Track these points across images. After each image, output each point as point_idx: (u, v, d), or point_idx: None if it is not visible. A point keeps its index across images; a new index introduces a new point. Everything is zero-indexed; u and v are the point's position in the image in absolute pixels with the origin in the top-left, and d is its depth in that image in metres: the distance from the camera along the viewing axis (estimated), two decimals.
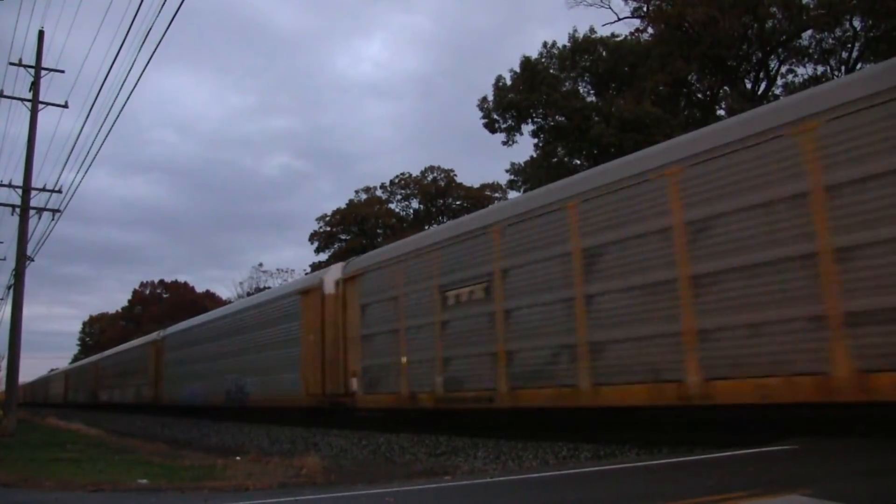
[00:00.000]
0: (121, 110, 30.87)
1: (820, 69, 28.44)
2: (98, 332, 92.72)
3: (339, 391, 14.31)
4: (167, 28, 12.68)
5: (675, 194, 7.95)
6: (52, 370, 70.96)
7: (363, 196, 52.68)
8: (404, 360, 12.45)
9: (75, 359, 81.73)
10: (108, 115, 25.04)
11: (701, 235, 7.65)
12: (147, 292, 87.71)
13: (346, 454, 12.00)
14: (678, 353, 7.76)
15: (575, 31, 32.02)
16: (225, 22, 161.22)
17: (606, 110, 29.34)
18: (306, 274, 46.99)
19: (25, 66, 20.98)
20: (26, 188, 20.39)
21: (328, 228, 51.88)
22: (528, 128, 32.72)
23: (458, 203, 50.77)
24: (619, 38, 31.40)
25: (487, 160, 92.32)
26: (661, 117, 27.16)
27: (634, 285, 8.33)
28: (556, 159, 32.07)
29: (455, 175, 52.04)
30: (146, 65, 19.84)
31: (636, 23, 31.52)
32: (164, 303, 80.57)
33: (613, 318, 8.58)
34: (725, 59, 28.50)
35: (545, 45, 31.70)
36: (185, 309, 55.69)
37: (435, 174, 52.16)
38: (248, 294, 47.67)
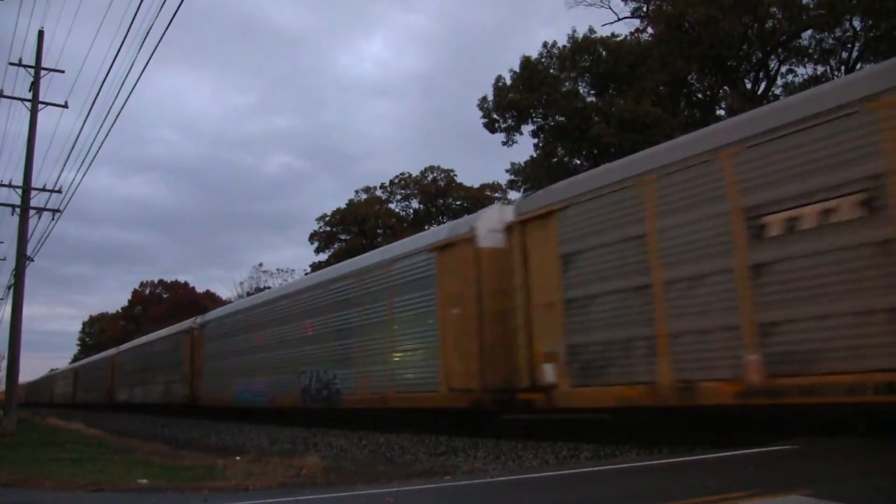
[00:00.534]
0: (121, 109, 30.68)
1: (820, 69, 28.48)
2: (98, 332, 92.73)
3: (517, 384, 10.17)
4: (167, 26, 12.68)
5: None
6: (52, 370, 70.88)
7: (363, 196, 52.72)
8: (663, 329, 8.15)
9: (75, 358, 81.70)
10: (108, 114, 25.12)
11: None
12: (147, 292, 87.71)
13: (346, 454, 12.00)
14: None
15: (574, 31, 32.06)
16: (226, 20, 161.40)
17: (606, 110, 29.33)
18: (306, 269, 46.55)
19: (25, 66, 21.01)
20: (26, 188, 20.39)
21: (328, 228, 51.90)
22: (527, 128, 32.73)
23: (458, 203, 50.78)
24: (619, 38, 31.42)
25: (488, 159, 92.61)
26: (661, 117, 27.16)
27: None
28: (556, 159, 32.08)
29: (455, 175, 52.13)
30: (146, 64, 19.85)
31: (636, 23, 31.59)
32: (164, 303, 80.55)
33: None
34: (725, 59, 28.49)
35: (545, 45, 31.72)
36: (186, 309, 55.70)
37: (435, 174, 52.20)
38: (249, 294, 47.56)
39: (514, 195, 36.64)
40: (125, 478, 8.99)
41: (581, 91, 32.11)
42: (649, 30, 30.66)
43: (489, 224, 11.03)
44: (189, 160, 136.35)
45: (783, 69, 29.39)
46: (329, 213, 52.09)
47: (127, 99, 16.07)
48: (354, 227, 50.86)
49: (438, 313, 11.55)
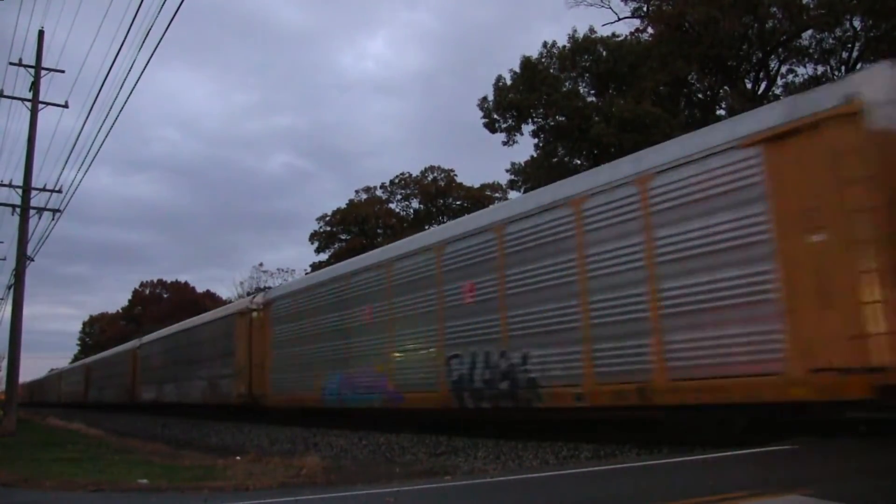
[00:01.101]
0: (121, 109, 30.71)
1: (820, 69, 28.47)
2: (98, 332, 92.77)
3: None
4: (168, 25, 12.67)
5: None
6: (51, 370, 70.82)
7: (363, 196, 52.74)
8: None
9: (75, 358, 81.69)
10: (108, 113, 25.12)
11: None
12: (147, 292, 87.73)
13: (346, 454, 12.01)
14: None
15: (575, 31, 32.04)
16: (227, 19, 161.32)
17: (606, 110, 29.33)
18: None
19: (25, 66, 21.02)
20: (26, 188, 20.40)
21: (328, 228, 51.93)
22: (528, 128, 32.73)
23: (458, 203, 50.80)
24: (619, 38, 31.42)
25: (489, 158, 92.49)
26: (661, 117, 27.15)
27: None
28: (556, 159, 32.08)
29: (455, 175, 52.14)
30: (147, 63, 19.80)
31: (636, 23, 31.55)
32: (164, 303, 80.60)
33: None
34: (725, 59, 28.49)
35: (545, 44, 31.70)
36: (186, 309, 55.70)
37: (435, 174, 52.21)
38: (249, 294, 47.45)
39: (513, 195, 36.69)
40: (125, 478, 9.00)
41: (581, 91, 32.11)
42: (649, 30, 30.65)
43: (884, 89, 6.70)
44: (190, 159, 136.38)
45: (783, 69, 29.42)
46: (329, 213, 52.16)
47: (128, 98, 16.10)
48: (355, 227, 50.89)
49: (778, 244, 7.04)
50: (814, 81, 26.50)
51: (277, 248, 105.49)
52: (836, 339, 6.47)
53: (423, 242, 12.75)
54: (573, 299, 9.15)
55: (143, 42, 13.61)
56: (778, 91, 28.51)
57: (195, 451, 14.40)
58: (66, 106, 21.57)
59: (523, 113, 31.82)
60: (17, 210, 20.48)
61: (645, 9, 30.90)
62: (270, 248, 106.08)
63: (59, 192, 20.98)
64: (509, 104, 31.64)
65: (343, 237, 51.58)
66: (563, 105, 30.24)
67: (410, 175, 52.57)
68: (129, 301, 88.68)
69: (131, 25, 11.21)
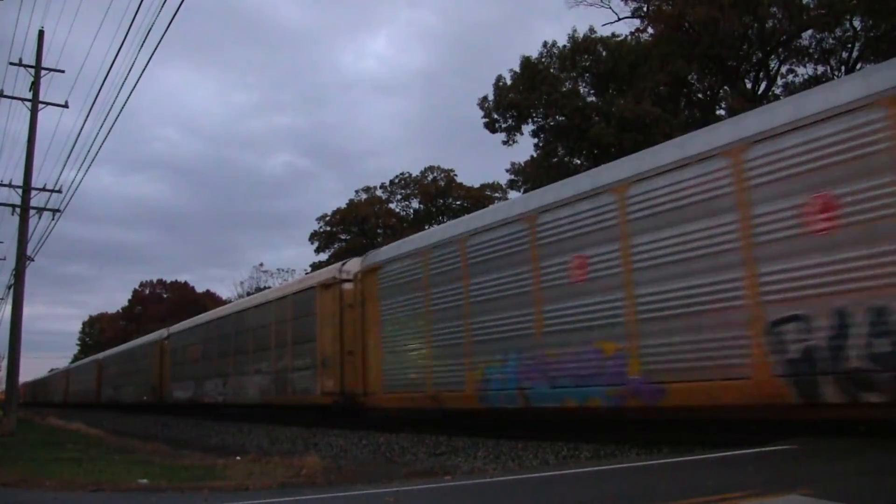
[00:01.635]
0: (122, 108, 30.97)
1: (820, 69, 28.49)
2: (98, 332, 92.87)
3: None
4: (169, 24, 12.66)
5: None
6: (52, 370, 70.81)
7: (363, 196, 52.78)
8: None
9: (75, 358, 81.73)
10: (108, 112, 25.14)
11: None
12: (147, 292, 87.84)
13: (346, 454, 12.01)
14: None
15: (575, 31, 32.08)
16: (227, 17, 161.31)
17: (606, 110, 29.37)
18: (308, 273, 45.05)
19: (25, 66, 21.03)
20: (26, 188, 20.41)
21: (328, 228, 51.97)
22: (528, 128, 32.78)
23: (458, 203, 50.84)
24: (619, 38, 31.45)
25: (490, 158, 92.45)
26: (661, 117, 27.18)
27: None
28: (556, 159, 32.10)
29: (455, 175, 52.18)
30: (147, 62, 19.83)
31: (636, 23, 31.59)
32: (164, 302, 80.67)
33: None
34: (725, 59, 28.51)
35: (545, 44, 31.73)
36: (186, 309, 55.73)
37: (435, 174, 52.26)
38: (250, 293, 47.46)
39: (513, 195, 36.70)
40: (125, 478, 9.01)
41: (581, 91, 32.15)
42: (649, 30, 30.71)
43: None
44: (190, 159, 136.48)
45: (783, 69, 29.46)
46: (329, 213, 52.23)
47: (128, 98, 16.14)
48: (355, 227, 50.93)
49: None
50: (814, 81, 26.51)
51: (278, 248, 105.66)
52: None
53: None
54: None
55: (144, 41, 13.64)
56: (778, 91, 28.54)
57: (195, 451, 14.41)
58: (66, 106, 21.59)
59: (523, 113, 31.85)
60: (17, 210, 20.50)
61: (645, 9, 30.93)
62: (270, 248, 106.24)
63: (59, 192, 21.02)
64: (509, 104, 31.66)
65: (343, 237, 51.62)
66: (563, 105, 30.27)
67: (410, 175, 52.66)
68: (129, 301, 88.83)
69: (131, 25, 11.23)
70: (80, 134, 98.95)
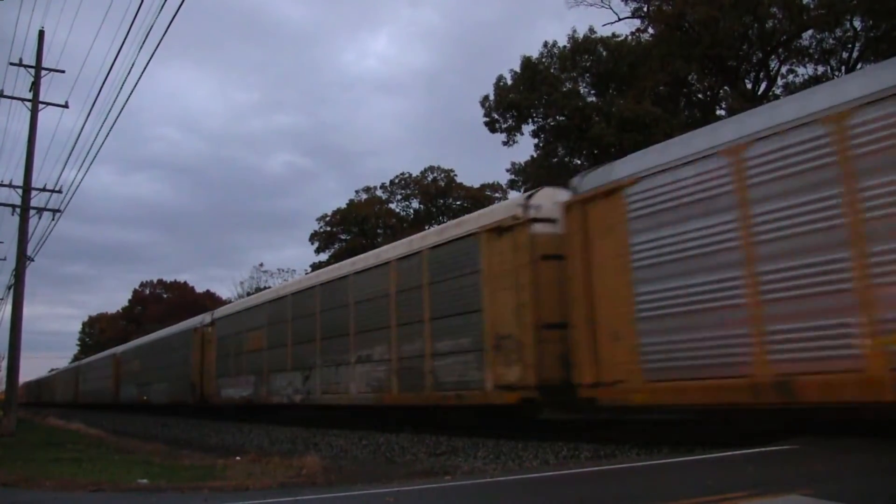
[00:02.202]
0: (122, 108, 30.90)
1: (820, 69, 28.48)
2: (98, 332, 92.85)
3: None
4: (169, 24, 12.64)
5: None
6: (52, 370, 70.69)
7: (363, 196, 52.76)
8: None
9: (75, 358, 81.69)
10: (109, 112, 25.12)
11: None
12: (147, 292, 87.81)
13: (346, 454, 12.00)
14: None
15: (575, 31, 32.09)
16: (228, 16, 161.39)
17: (606, 110, 29.36)
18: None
19: (26, 66, 21.02)
20: (26, 188, 20.40)
21: (328, 228, 51.93)
22: (528, 128, 32.76)
23: (458, 203, 50.81)
24: (619, 39, 31.44)
25: (491, 158, 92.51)
26: (661, 117, 27.17)
27: None
28: (556, 159, 32.09)
29: (455, 175, 52.16)
30: (148, 62, 19.82)
31: (636, 23, 31.57)
32: (164, 303, 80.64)
33: None
34: (725, 59, 28.49)
35: (545, 44, 31.73)
36: (186, 309, 55.68)
37: (435, 174, 52.23)
38: (249, 294, 47.47)
39: (513, 195, 36.70)
40: (125, 478, 9.00)
41: (581, 91, 32.14)
42: (649, 30, 30.68)
43: None
44: (191, 159, 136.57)
45: (783, 69, 29.43)
46: (329, 213, 52.19)
47: (128, 97, 16.06)
48: (355, 227, 50.90)
49: None
50: (814, 81, 26.50)
51: (278, 248, 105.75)
52: None
53: None
54: None
55: (144, 41, 13.64)
56: (778, 91, 28.52)
57: (195, 451, 14.39)
58: (66, 106, 21.59)
59: (523, 113, 31.84)
60: (17, 210, 20.50)
61: (645, 9, 30.91)
62: (271, 247, 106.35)
63: (59, 192, 21.02)
64: (510, 104, 31.66)
65: (343, 237, 51.59)
66: (564, 105, 30.26)
67: (410, 175, 52.62)
68: (129, 301, 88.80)
69: (132, 24, 11.22)
70: (80, 134, 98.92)
